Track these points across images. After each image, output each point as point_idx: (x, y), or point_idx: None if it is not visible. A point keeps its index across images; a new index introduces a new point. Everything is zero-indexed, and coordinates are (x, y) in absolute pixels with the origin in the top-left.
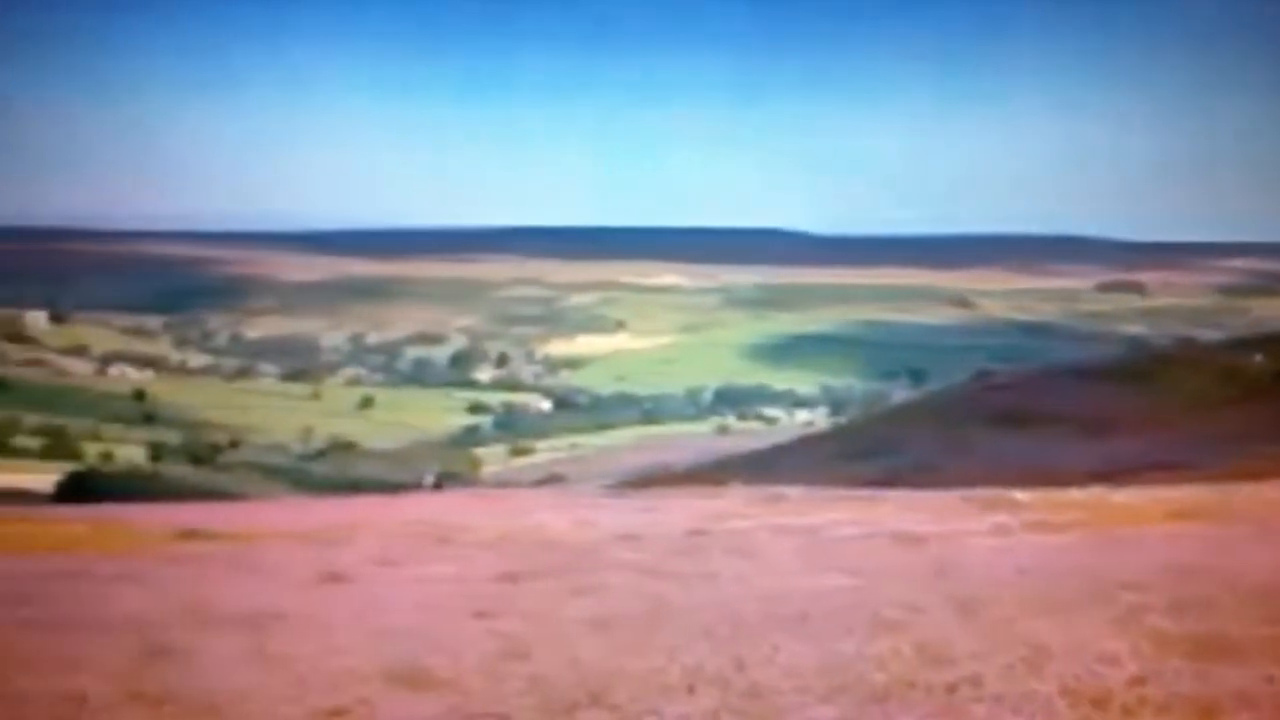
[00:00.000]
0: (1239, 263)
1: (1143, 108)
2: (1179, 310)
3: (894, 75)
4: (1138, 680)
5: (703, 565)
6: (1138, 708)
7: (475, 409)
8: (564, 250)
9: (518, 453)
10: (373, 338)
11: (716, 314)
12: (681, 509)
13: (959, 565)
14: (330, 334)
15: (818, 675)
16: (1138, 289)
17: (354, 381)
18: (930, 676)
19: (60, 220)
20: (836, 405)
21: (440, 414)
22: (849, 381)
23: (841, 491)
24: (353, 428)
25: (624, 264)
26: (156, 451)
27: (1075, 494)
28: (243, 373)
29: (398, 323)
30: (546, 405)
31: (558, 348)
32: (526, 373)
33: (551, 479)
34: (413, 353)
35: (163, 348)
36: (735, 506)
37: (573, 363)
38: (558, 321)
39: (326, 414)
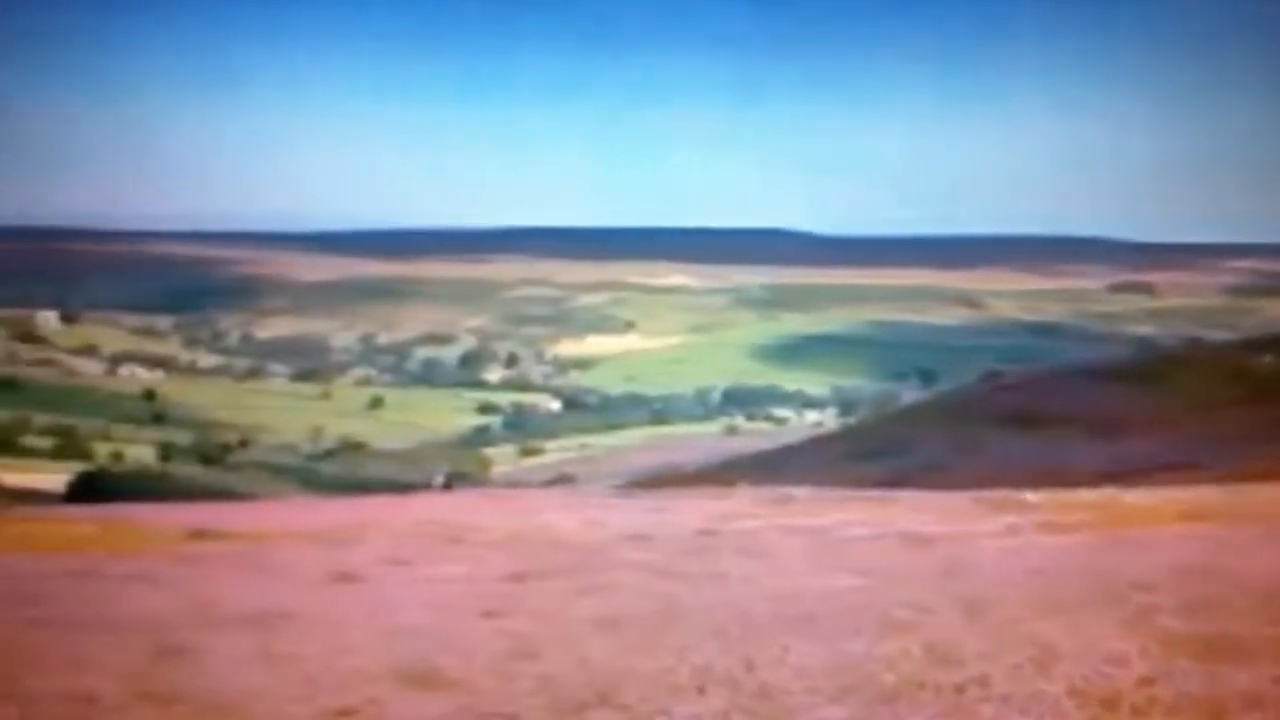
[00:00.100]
0: (1245, 263)
1: (1143, 108)
2: (1188, 311)
3: (895, 75)
4: (1147, 681)
5: (712, 565)
6: (1147, 708)
7: (485, 409)
8: (573, 251)
9: (527, 453)
10: (383, 338)
11: (725, 314)
12: (691, 509)
13: (968, 566)
14: (340, 334)
15: (827, 675)
16: (1147, 290)
17: (364, 382)
18: (939, 677)
19: (66, 220)
20: (846, 406)
21: (450, 414)
22: (858, 382)
23: (851, 492)
24: (362, 428)
25: (632, 264)
26: (166, 451)
27: (1085, 495)
28: (253, 373)
29: (408, 323)
30: (556, 405)
31: (567, 348)
32: (536, 373)
33: (561, 479)
34: (422, 353)
35: (173, 348)
36: (744, 507)
37: (582, 363)
38: (567, 322)
39: (336, 414)
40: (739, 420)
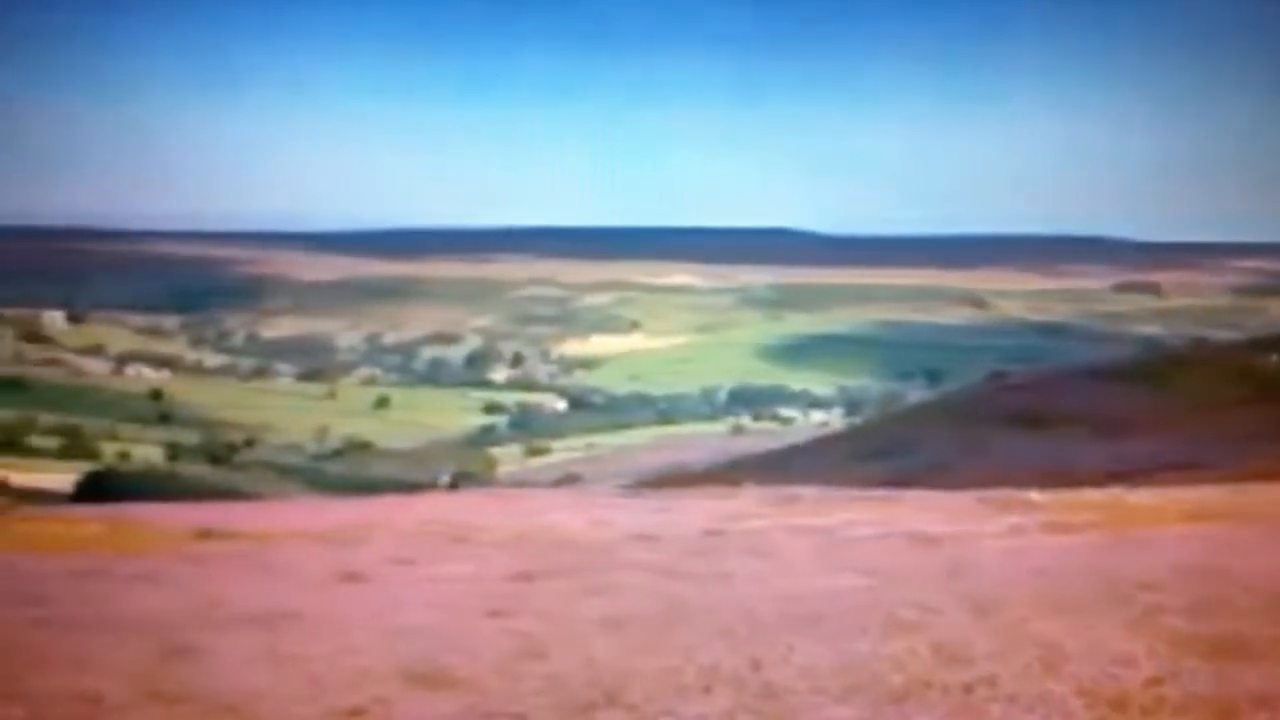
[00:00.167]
0: (1250, 263)
1: (1145, 108)
2: (1194, 311)
3: (897, 75)
4: (1154, 681)
5: (718, 565)
6: (1155, 708)
7: (491, 409)
8: (577, 250)
9: (533, 453)
10: (389, 338)
11: (731, 314)
12: (697, 509)
13: (974, 566)
14: (346, 334)
15: (833, 675)
16: (1153, 290)
17: (370, 381)
18: (946, 677)
19: (70, 220)
20: (852, 405)
21: (456, 414)
22: (864, 382)
23: (857, 492)
24: (368, 427)
25: (637, 264)
26: (173, 451)
27: (1090, 495)
28: (259, 372)
29: (413, 323)
30: (562, 405)
31: (572, 348)
32: (542, 373)
33: (567, 479)
34: (428, 353)
35: (179, 348)
36: (751, 507)
37: (588, 363)
38: (572, 321)
39: (342, 414)
40: (745, 420)
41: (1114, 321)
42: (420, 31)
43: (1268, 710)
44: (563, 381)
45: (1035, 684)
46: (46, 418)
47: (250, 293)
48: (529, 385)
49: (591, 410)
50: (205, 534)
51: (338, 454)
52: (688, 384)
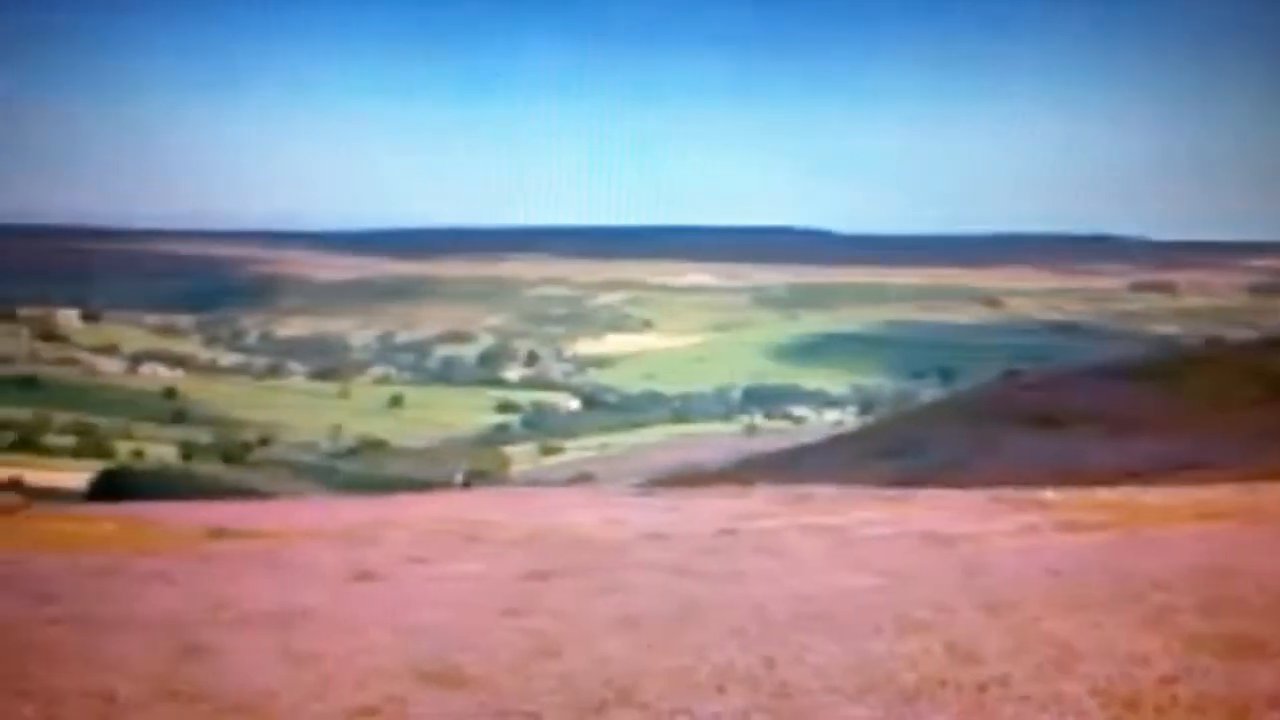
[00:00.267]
0: (1266, 262)
1: (1150, 108)
2: (1211, 310)
3: (908, 75)
4: (1169, 680)
5: (732, 564)
6: (1169, 707)
7: (504, 408)
8: (590, 250)
9: (547, 451)
10: (402, 336)
11: (745, 313)
12: (710, 508)
13: (988, 565)
14: (360, 333)
15: (847, 674)
16: (1168, 289)
17: (383, 380)
18: (960, 676)
19: (74, 219)
20: (865, 404)
21: (469, 412)
22: (878, 380)
23: (870, 491)
24: (382, 426)
25: (650, 263)
26: (187, 450)
27: (1104, 494)
28: (273, 371)
29: (427, 322)
30: (575, 404)
31: (586, 346)
32: (555, 371)
33: (581, 478)
34: (442, 351)
35: (193, 346)
36: (764, 506)
37: (601, 361)
38: (586, 320)
39: (356, 412)
40: (758, 419)
41: (1129, 320)
42: (421, 31)
43: None
44: (576, 380)
45: (1048, 683)
46: (61, 416)
47: (264, 292)
48: (543, 384)
49: (605, 409)
50: (219, 533)
51: (352, 452)
52: (701, 383)
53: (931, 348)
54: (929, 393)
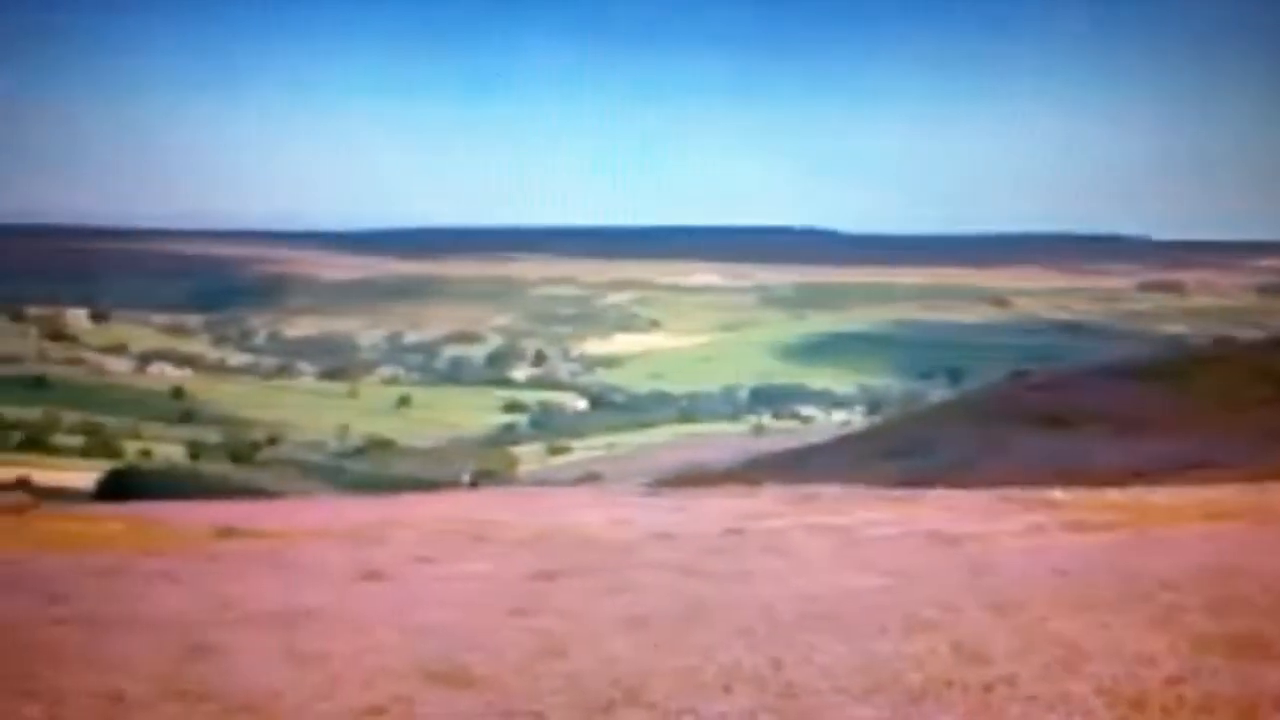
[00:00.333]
0: (1269, 262)
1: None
2: (1220, 310)
3: (906, 76)
4: (1175, 680)
5: (739, 564)
6: (1175, 708)
7: (512, 407)
8: (597, 249)
9: (554, 451)
10: (410, 337)
11: (752, 313)
12: (717, 508)
13: (995, 565)
14: (368, 333)
15: (854, 674)
16: (1176, 288)
17: (391, 380)
18: (967, 676)
19: (83, 218)
20: (873, 404)
21: (477, 412)
22: (885, 380)
23: (877, 491)
24: (390, 426)
25: (658, 263)
26: (195, 449)
27: (1111, 494)
28: (281, 371)
29: (434, 322)
30: (583, 404)
31: (593, 346)
32: (563, 371)
33: (588, 477)
34: (449, 351)
35: (201, 346)
36: (771, 505)
37: (608, 361)
38: (593, 320)
39: (364, 412)
40: (766, 419)
41: (1137, 320)
42: (421, 30)
43: None
44: (584, 380)
45: (1055, 683)
46: (69, 416)
47: (272, 292)
48: (550, 384)
49: (612, 409)
50: (226, 532)
51: (359, 452)
52: (709, 383)
53: (939, 347)
54: (937, 393)
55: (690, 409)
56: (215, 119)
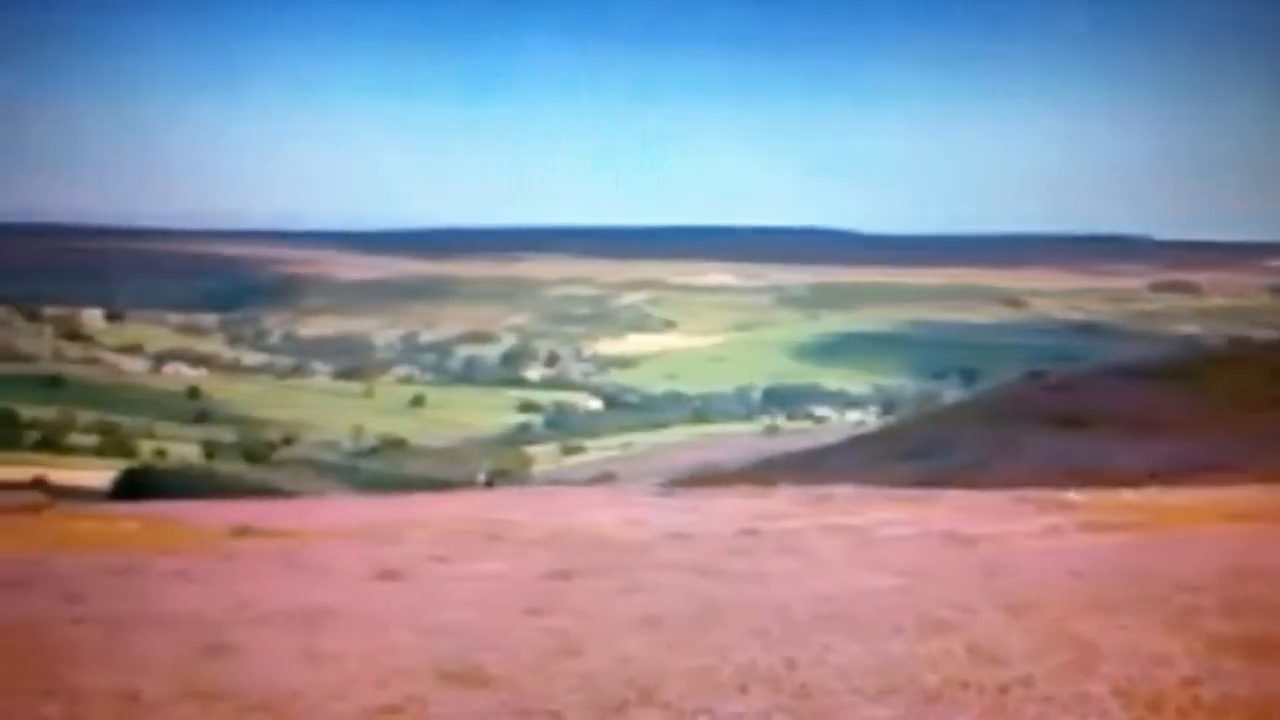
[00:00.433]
0: (1278, 262)
1: (1144, 107)
2: (1234, 310)
3: (906, 75)
4: (1191, 681)
5: (753, 564)
6: (1191, 709)
7: (526, 408)
8: (611, 250)
9: (569, 451)
10: (425, 337)
11: (766, 313)
12: (732, 508)
13: (1010, 566)
14: (383, 333)
15: (869, 675)
16: (1190, 289)
17: (406, 380)
18: (982, 677)
19: (83, 218)
20: (887, 405)
21: (491, 412)
22: (900, 381)
23: (892, 491)
24: (404, 426)
25: (672, 263)
26: (210, 449)
27: (1127, 495)
28: (296, 371)
29: (449, 322)
30: (597, 404)
31: (608, 347)
32: (576, 371)
33: (602, 477)
34: (464, 351)
35: (216, 346)
36: (785, 506)
37: (623, 361)
38: (607, 320)
39: (379, 412)
40: (780, 419)
41: (1151, 320)
42: (421, 30)
43: None
44: (598, 380)
45: (1071, 684)
46: (85, 415)
47: (287, 291)
48: (564, 384)
49: (627, 409)
50: (241, 531)
51: (374, 452)
52: (723, 383)
53: (953, 348)
54: (951, 393)
55: (704, 409)
56: (215, 119)
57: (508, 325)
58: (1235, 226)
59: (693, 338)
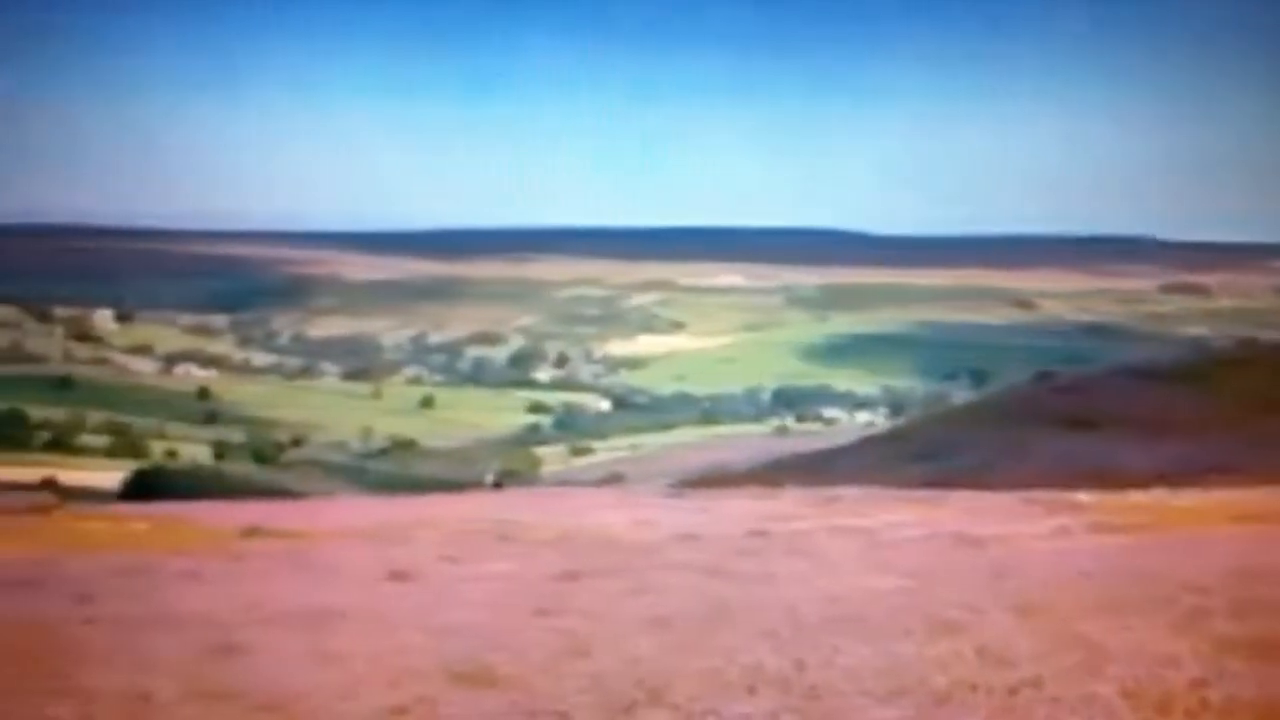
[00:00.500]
0: None
1: (1145, 107)
2: (1243, 311)
3: (907, 75)
4: (1199, 682)
5: (762, 566)
6: (1199, 710)
7: (535, 409)
8: (620, 250)
9: (578, 452)
10: (434, 338)
11: (775, 314)
12: (741, 509)
13: (1019, 567)
14: (392, 334)
15: (878, 677)
16: (1199, 290)
17: (415, 381)
18: (991, 678)
19: (83, 218)
20: (896, 406)
21: (500, 413)
22: (909, 382)
23: (901, 493)
24: (413, 426)
25: (681, 264)
26: (220, 449)
27: (1135, 496)
28: (305, 372)
29: (458, 323)
30: (606, 405)
31: (617, 348)
32: (586, 372)
33: (611, 478)
34: (473, 352)
35: (226, 347)
36: (794, 507)
37: (632, 363)
38: (616, 321)
39: (388, 413)
40: (789, 420)
41: (1160, 322)
42: (422, 30)
43: None
44: (607, 381)
45: (1079, 685)
46: (95, 416)
47: (297, 292)
48: (573, 385)
49: (636, 410)
50: (251, 532)
51: (383, 453)
52: (732, 384)
53: (962, 349)
54: (960, 394)
55: (713, 410)
56: (215, 119)
57: (517, 326)
58: (1236, 227)
59: (702, 339)
